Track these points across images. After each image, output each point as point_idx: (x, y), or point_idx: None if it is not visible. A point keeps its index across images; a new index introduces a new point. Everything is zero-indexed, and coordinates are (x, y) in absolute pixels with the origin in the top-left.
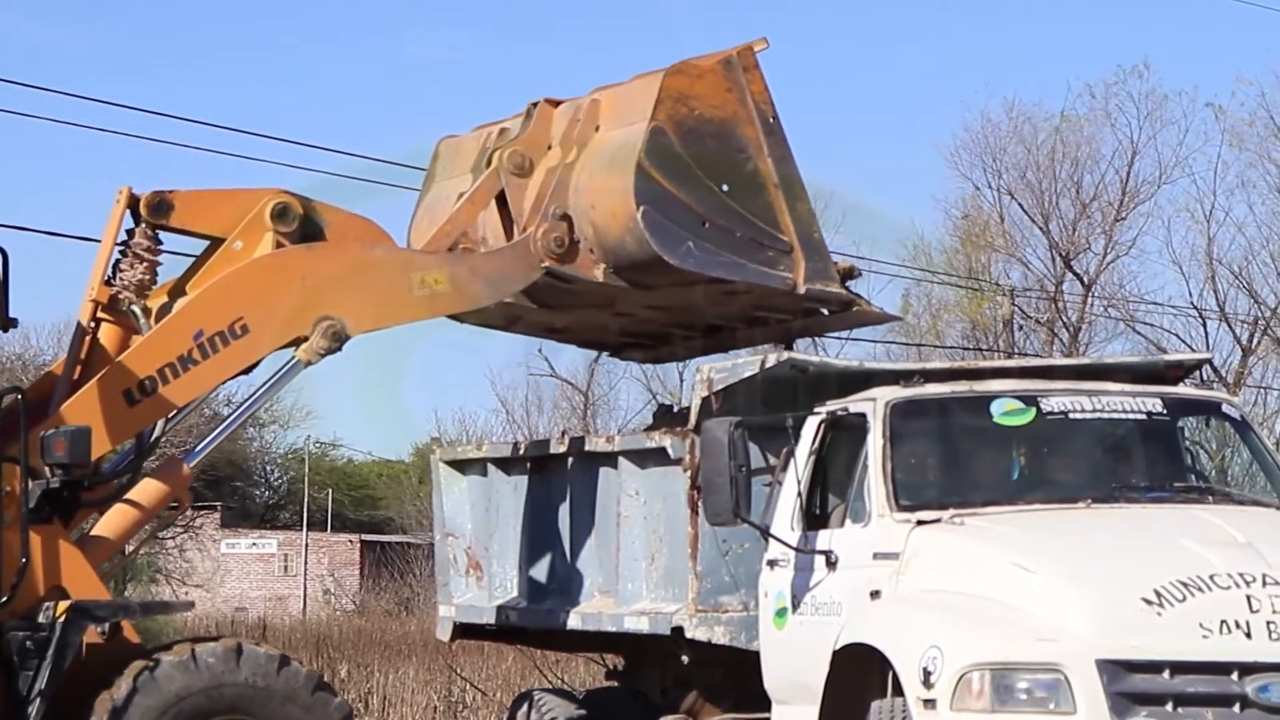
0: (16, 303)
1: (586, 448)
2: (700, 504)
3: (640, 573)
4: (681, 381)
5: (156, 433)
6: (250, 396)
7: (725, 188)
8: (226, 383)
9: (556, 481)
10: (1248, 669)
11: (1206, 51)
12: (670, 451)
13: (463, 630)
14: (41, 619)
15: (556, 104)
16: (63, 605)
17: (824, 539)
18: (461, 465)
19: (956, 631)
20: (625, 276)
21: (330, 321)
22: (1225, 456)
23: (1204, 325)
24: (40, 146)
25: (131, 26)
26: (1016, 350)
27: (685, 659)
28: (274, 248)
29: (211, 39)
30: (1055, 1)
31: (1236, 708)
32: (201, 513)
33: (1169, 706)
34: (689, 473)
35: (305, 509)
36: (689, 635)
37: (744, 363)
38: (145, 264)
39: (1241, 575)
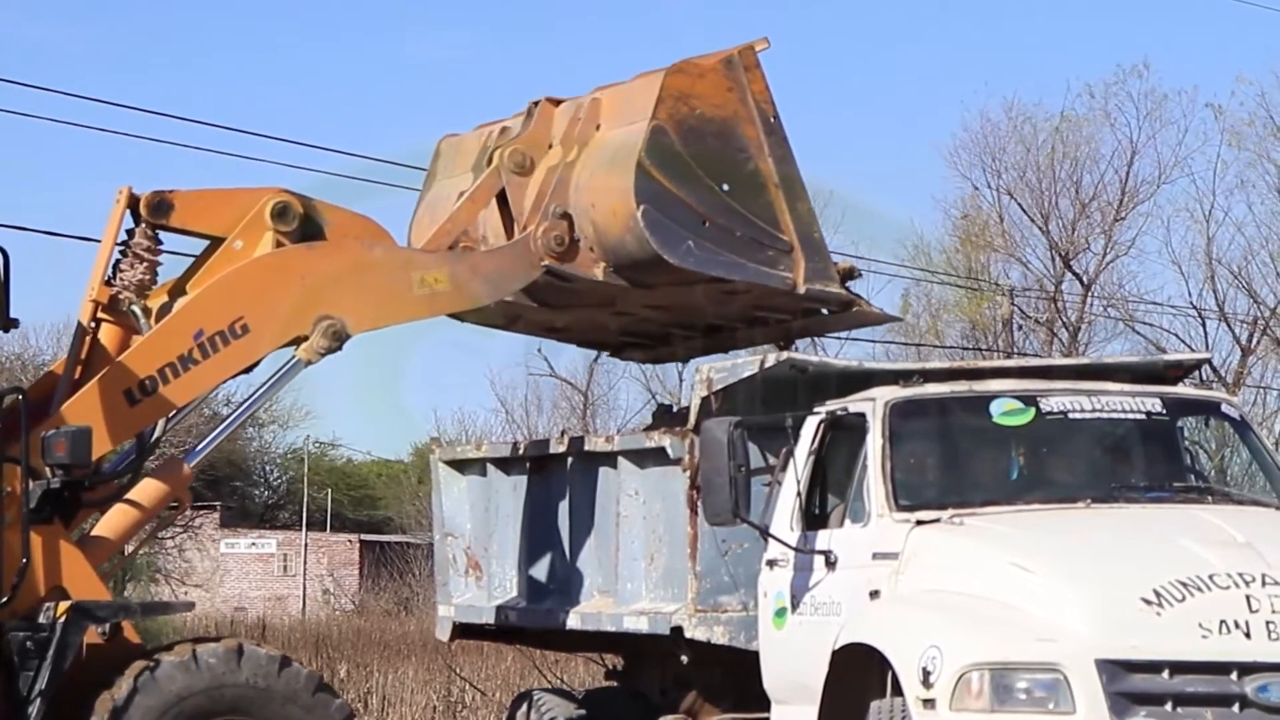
0: (16, 303)
1: (586, 448)
2: (699, 504)
3: (639, 573)
4: (681, 381)
5: (157, 432)
6: (250, 396)
7: (726, 187)
8: (226, 382)
9: (556, 481)
10: (1247, 669)
11: (1206, 51)
12: (670, 451)
13: (462, 630)
14: (42, 619)
15: (557, 103)
16: (63, 605)
17: (823, 539)
18: (461, 465)
19: (956, 631)
20: (625, 275)
21: (330, 321)
22: (1225, 456)
23: (1203, 325)
24: (40, 146)
25: (131, 26)
26: (1016, 350)
27: (684, 659)
28: (274, 247)
29: (211, 39)
30: (1055, 1)
31: (1236, 708)
32: (201, 513)
33: (1168, 706)
34: (688, 473)
35: (304, 509)
36: (688, 635)
37: (743, 363)
38: (145, 264)
39: (1241, 575)
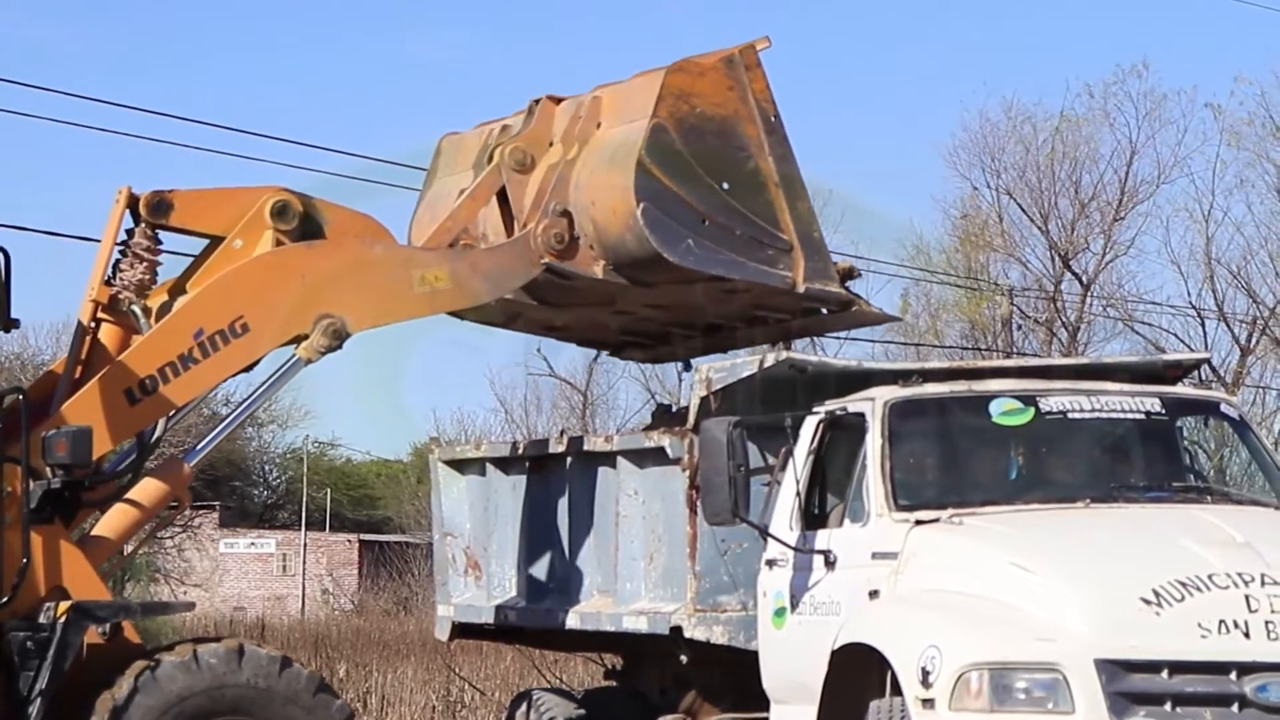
0: (16, 303)
1: (585, 447)
2: (699, 504)
3: (639, 572)
4: (680, 381)
5: (158, 432)
6: (251, 395)
7: (726, 185)
8: (226, 381)
9: (555, 481)
10: (1246, 669)
11: (1205, 51)
12: (669, 451)
13: (461, 630)
14: (42, 619)
15: (558, 101)
16: (63, 605)
17: (822, 539)
18: (460, 465)
19: (955, 631)
20: (625, 273)
21: (330, 319)
22: (1224, 456)
23: (1202, 325)
24: (40, 146)
25: (131, 26)
26: (1015, 350)
27: (684, 659)
28: (274, 245)
29: (211, 39)
30: (1054, 1)
31: (1235, 707)
32: (200, 512)
33: (1167, 706)
34: (688, 472)
35: (304, 509)
36: (687, 635)
37: (743, 362)
38: (145, 264)
39: (1240, 575)
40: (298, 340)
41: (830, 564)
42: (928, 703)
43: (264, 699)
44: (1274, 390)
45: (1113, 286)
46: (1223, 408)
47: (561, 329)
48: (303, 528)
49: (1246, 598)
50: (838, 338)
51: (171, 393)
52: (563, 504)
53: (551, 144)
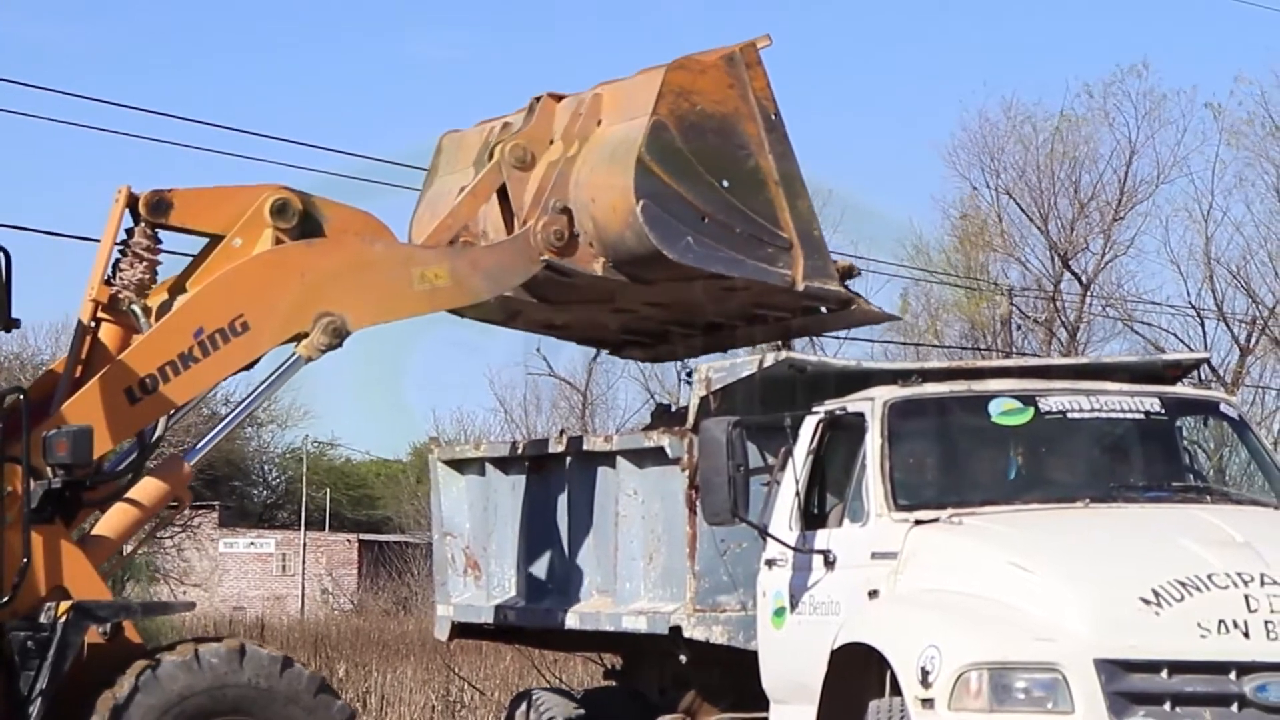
0: (16, 302)
1: (585, 447)
2: (698, 503)
3: (638, 572)
4: (679, 381)
5: (158, 431)
6: (251, 394)
7: (726, 183)
8: (226, 380)
9: (555, 481)
10: (1245, 668)
11: (1205, 51)
12: (668, 451)
13: (461, 630)
14: (43, 619)
15: (559, 98)
16: (64, 605)
17: (822, 538)
18: (459, 465)
19: (954, 631)
20: (624, 271)
21: (330, 317)
22: (1223, 456)
23: (1202, 325)
24: (40, 146)
25: (131, 26)
26: (1015, 350)
27: (683, 658)
28: (273, 244)
29: (211, 39)
30: (1054, 1)
31: (1234, 707)
32: (199, 512)
33: (1167, 706)
34: (687, 472)
35: (303, 508)
36: (687, 635)
37: (742, 362)
38: (145, 263)
39: (1239, 575)
40: (298, 338)
41: (830, 564)
42: (927, 702)
43: (265, 699)
44: (1273, 390)
45: (1112, 286)
46: (1222, 408)
47: (561, 327)
48: (302, 527)
49: (1246, 598)
50: (837, 337)
51: (172, 392)
52: (562, 504)
53: (552, 141)
